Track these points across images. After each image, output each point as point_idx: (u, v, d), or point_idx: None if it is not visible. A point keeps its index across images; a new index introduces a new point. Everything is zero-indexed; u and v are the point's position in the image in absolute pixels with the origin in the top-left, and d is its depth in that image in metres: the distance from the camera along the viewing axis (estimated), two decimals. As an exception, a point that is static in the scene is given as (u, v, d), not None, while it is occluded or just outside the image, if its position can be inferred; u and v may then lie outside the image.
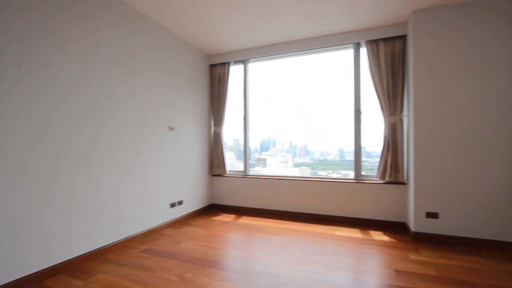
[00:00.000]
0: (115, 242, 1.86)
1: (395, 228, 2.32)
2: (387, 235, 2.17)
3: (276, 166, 3.10)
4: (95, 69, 1.72)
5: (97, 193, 1.74)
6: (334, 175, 2.77)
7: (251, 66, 3.02)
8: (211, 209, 3.08)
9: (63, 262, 1.53)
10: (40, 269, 1.42)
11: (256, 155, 3.17)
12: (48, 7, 1.45)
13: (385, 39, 2.31)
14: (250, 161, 3.06)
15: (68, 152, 1.56)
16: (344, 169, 2.72)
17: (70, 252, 1.57)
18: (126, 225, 1.96)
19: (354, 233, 2.22)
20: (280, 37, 2.58)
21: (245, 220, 2.63)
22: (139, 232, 2.07)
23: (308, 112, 2.86)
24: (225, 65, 3.00)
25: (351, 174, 2.58)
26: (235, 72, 3.07)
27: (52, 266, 1.47)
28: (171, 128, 2.43)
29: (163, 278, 1.46)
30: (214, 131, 3.11)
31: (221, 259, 1.71)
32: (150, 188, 2.19)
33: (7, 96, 1.28)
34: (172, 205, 2.45)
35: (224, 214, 2.85)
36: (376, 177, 2.40)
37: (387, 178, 2.30)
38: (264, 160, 3.15)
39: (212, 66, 3.10)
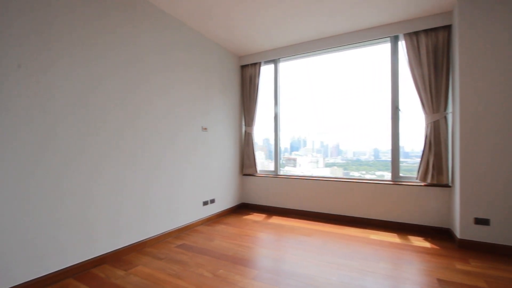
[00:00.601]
0: (153, 236, 1.97)
1: (438, 234, 2.15)
2: (428, 241, 2.02)
3: (306, 166, 3.05)
4: (137, 79, 1.84)
5: (142, 190, 1.87)
6: (368, 176, 2.64)
7: (282, 65, 3.00)
8: (242, 208, 3.12)
9: (108, 253, 1.66)
10: (87, 258, 1.55)
11: (286, 155, 3.14)
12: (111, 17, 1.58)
13: (426, 31, 2.14)
14: (280, 161, 3.04)
15: (117, 153, 1.69)
16: (379, 170, 2.58)
17: (114, 244, 1.70)
18: (163, 220, 2.06)
19: (391, 237, 2.10)
20: (311, 34, 2.53)
21: (275, 220, 2.62)
22: (174, 228, 2.17)
23: (341, 111, 2.77)
24: (255, 65, 3.02)
25: (387, 175, 2.45)
26: (265, 72, 3.08)
27: (98, 256, 1.61)
28: (204, 129, 2.51)
29: (197, 274, 1.51)
30: (245, 131, 3.14)
31: (252, 258, 1.73)
32: (185, 186, 2.28)
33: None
34: (205, 203, 2.53)
35: (255, 214, 2.87)
36: (416, 178, 2.24)
37: (428, 180, 2.14)
38: (295, 160, 3.11)
39: (243, 67, 3.14)
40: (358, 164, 2.78)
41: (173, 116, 2.16)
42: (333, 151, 2.94)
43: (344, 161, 2.86)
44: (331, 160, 2.94)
